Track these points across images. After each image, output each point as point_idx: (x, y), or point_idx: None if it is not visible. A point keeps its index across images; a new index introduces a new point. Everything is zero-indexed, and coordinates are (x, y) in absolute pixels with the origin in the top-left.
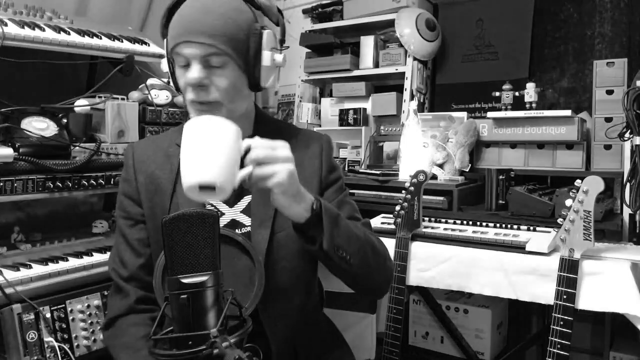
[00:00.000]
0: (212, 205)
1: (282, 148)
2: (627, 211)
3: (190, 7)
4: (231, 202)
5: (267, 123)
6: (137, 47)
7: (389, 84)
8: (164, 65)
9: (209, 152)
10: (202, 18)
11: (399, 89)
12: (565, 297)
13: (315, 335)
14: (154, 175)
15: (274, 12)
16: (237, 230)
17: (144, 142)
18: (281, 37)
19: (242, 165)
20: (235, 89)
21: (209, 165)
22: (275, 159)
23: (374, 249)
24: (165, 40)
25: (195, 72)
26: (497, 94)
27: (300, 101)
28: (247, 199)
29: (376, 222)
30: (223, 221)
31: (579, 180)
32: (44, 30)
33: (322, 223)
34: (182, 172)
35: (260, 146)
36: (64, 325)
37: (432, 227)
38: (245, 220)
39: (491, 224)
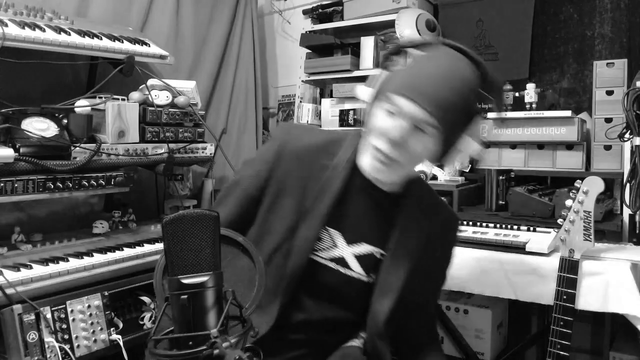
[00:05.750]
0: (328, 233)
1: None
2: (627, 212)
3: (435, 68)
4: (349, 239)
5: (418, 188)
6: (138, 48)
7: None
8: (362, 93)
9: None
10: (440, 86)
11: None
12: (565, 297)
13: None
14: (289, 175)
15: (499, 99)
16: (341, 270)
17: (302, 131)
18: (482, 143)
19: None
20: (420, 157)
21: None
22: None
23: None
24: (380, 73)
25: (400, 130)
26: None
27: (301, 102)
28: (365, 248)
29: None
30: (333, 254)
31: (579, 181)
32: (44, 30)
33: None
34: None
35: None
36: (64, 326)
37: None
38: (354, 265)
39: (491, 225)
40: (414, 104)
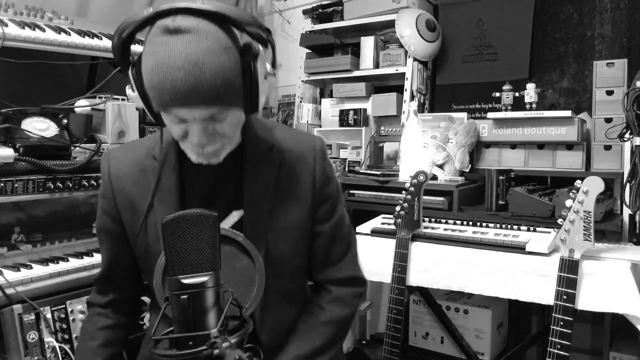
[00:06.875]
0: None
1: None
2: (627, 212)
3: (175, 65)
4: (220, 217)
5: (255, 132)
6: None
7: (389, 84)
8: (138, 102)
9: None
10: (198, 80)
11: (399, 90)
12: (565, 297)
13: None
14: (130, 194)
15: (260, 33)
16: None
17: (120, 152)
18: (273, 59)
19: None
20: (238, 125)
21: None
22: None
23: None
24: (138, 78)
25: (200, 135)
26: (497, 94)
27: (301, 102)
28: (236, 215)
29: (376, 222)
30: None
31: (579, 181)
32: (44, 30)
33: None
34: None
35: None
36: (64, 326)
37: (433, 228)
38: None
39: (491, 225)
40: (190, 110)
